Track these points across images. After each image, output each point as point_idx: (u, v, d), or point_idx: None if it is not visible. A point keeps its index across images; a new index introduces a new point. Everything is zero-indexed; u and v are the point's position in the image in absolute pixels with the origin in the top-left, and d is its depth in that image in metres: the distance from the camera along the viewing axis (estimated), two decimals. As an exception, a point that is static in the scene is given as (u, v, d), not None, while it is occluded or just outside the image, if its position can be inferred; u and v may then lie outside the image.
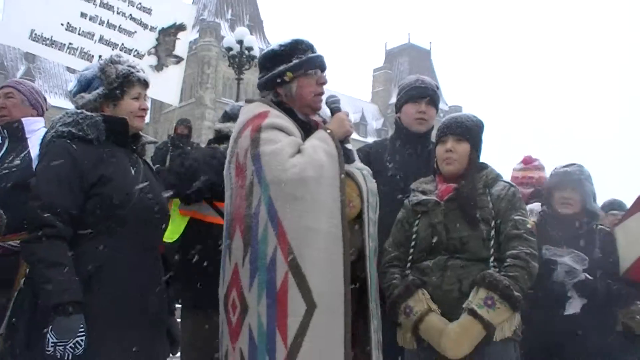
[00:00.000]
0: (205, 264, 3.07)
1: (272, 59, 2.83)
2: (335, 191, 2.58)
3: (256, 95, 3.06)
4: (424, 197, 3.01)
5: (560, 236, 3.43)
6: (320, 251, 2.52)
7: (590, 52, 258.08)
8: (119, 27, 5.63)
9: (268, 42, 63.03)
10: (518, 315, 2.80)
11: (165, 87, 5.97)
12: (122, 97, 2.67)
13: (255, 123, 2.65)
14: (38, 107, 3.55)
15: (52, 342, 2.27)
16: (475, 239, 2.85)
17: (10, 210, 2.89)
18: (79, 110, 2.62)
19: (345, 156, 2.71)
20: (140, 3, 5.77)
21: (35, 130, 3.35)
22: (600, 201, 4.19)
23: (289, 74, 2.76)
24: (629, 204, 3.86)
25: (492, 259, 2.82)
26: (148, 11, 5.86)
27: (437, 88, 3.70)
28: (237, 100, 17.92)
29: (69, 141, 2.52)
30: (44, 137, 2.65)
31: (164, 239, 2.92)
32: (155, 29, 5.89)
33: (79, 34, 5.32)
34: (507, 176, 3.79)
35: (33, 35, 5.08)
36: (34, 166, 3.05)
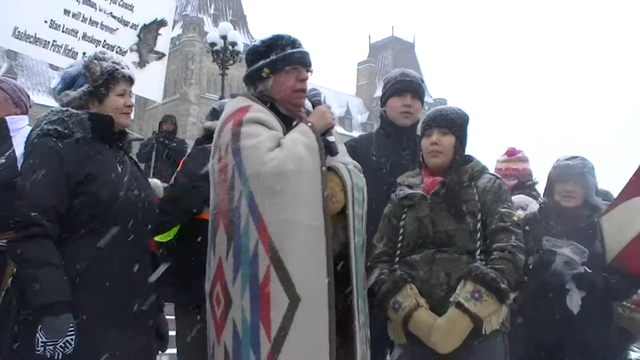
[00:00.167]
0: (197, 261, 3.04)
1: (254, 54, 2.83)
2: (316, 184, 2.57)
3: (241, 90, 3.05)
4: (410, 191, 3.02)
5: (560, 230, 3.41)
6: (302, 245, 2.51)
7: (589, 52, 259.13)
8: (101, 24, 5.61)
9: (252, 37, 62.69)
10: (505, 307, 2.81)
11: (148, 83, 5.97)
12: (107, 94, 2.66)
13: (236, 117, 2.66)
14: (22, 105, 3.51)
15: (41, 342, 2.26)
16: (461, 232, 2.86)
17: (-4, 209, 2.86)
18: (64, 108, 2.61)
19: (327, 149, 2.70)
20: (122, 0, 5.75)
21: (20, 129, 3.31)
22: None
23: (265, 70, 2.76)
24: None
25: (478, 251, 2.83)
26: (130, 8, 5.84)
27: (422, 81, 3.71)
28: (222, 96, 17.86)
29: (54, 139, 2.50)
30: (29, 135, 2.62)
31: (158, 239, 2.90)
32: (137, 26, 5.88)
33: (62, 31, 5.30)
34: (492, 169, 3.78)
35: (16, 33, 5.04)
36: (19, 165, 3.01)
